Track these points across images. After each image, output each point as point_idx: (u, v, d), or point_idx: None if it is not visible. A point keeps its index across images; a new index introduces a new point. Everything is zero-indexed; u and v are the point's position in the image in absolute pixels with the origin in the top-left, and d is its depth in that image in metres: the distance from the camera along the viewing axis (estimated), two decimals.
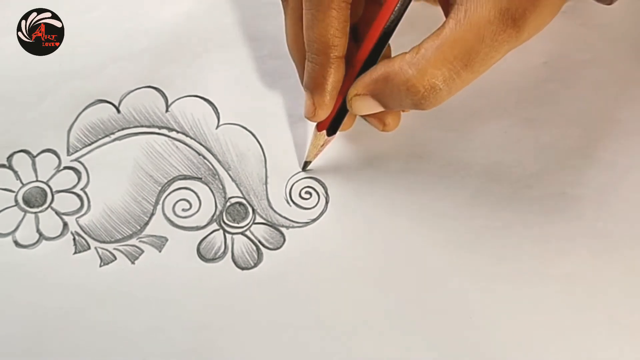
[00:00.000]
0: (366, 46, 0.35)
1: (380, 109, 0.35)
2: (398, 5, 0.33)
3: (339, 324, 0.38)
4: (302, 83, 0.37)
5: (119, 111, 0.41)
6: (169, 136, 0.40)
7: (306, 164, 0.40)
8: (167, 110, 0.41)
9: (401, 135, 0.40)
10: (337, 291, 0.38)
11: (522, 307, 0.38)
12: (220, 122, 0.41)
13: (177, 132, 0.41)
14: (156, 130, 0.41)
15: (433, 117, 0.40)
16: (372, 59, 0.35)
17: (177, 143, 0.40)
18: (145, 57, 0.42)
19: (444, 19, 0.33)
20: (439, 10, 0.36)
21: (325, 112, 0.36)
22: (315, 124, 0.38)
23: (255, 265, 0.39)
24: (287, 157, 0.40)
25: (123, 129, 0.40)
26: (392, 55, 0.35)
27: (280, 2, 0.37)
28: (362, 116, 0.40)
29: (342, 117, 0.37)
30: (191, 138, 0.40)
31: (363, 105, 0.35)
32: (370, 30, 0.34)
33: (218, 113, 0.41)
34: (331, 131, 0.37)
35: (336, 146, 0.41)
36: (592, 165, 0.40)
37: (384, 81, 0.33)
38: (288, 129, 0.41)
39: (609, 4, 0.35)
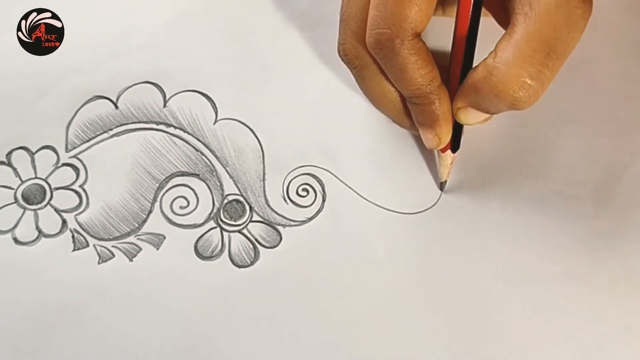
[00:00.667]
0: (456, 59, 0.35)
1: (486, 115, 0.35)
2: (472, 12, 0.33)
3: (335, 322, 0.38)
4: (402, 126, 0.38)
5: (117, 107, 0.41)
6: (166, 132, 0.41)
7: (442, 184, 0.40)
8: (164, 106, 0.41)
9: (399, 131, 0.40)
10: (333, 289, 0.39)
11: (520, 306, 0.39)
12: (218, 117, 0.41)
13: (175, 127, 0.41)
14: (154, 126, 0.41)
15: None
16: (466, 68, 0.35)
17: (174, 139, 0.40)
18: (143, 53, 0.41)
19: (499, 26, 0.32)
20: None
21: (447, 137, 0.36)
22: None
23: (252, 263, 0.39)
24: (285, 153, 0.40)
25: (121, 125, 0.41)
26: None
27: (350, 70, 0.36)
28: None
29: (460, 131, 0.37)
30: (189, 134, 0.41)
31: (468, 116, 0.35)
32: (454, 40, 0.34)
33: (216, 108, 0.41)
34: (455, 148, 0.37)
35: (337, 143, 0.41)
36: (590, 164, 0.40)
37: (475, 92, 0.33)
38: (286, 124, 0.41)
39: None
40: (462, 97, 0.34)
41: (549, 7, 0.30)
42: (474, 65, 0.34)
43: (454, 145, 0.37)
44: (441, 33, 0.38)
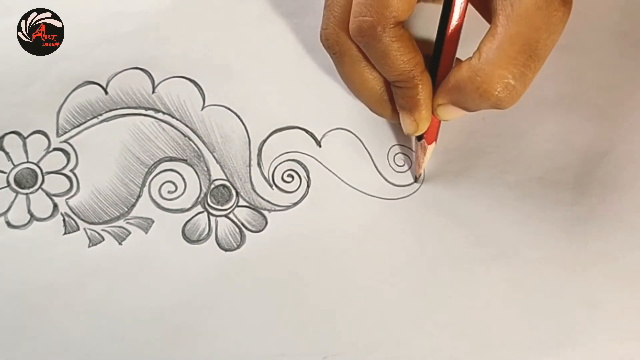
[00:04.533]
0: (440, 52, 0.35)
1: (465, 112, 0.35)
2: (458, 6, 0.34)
3: (319, 304, 0.39)
4: (381, 115, 0.39)
5: (106, 92, 0.41)
6: (155, 117, 0.41)
7: (417, 177, 0.41)
8: (153, 92, 0.41)
9: (382, 121, 0.41)
10: (317, 273, 0.40)
11: (499, 290, 0.40)
12: (206, 104, 0.41)
13: (164, 113, 0.41)
14: (143, 111, 0.41)
15: None
16: (448, 62, 0.35)
17: (163, 124, 0.41)
18: (132, 39, 0.42)
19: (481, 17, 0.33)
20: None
21: (426, 124, 0.37)
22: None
23: (238, 247, 0.40)
24: (270, 139, 0.41)
25: (110, 111, 0.41)
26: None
27: (330, 55, 0.37)
28: None
29: (438, 125, 0.38)
30: (177, 119, 0.41)
31: (448, 113, 0.36)
32: (444, 34, 0.35)
33: (203, 94, 0.41)
34: (431, 140, 0.39)
35: (322, 130, 0.41)
36: (570, 150, 0.41)
37: (458, 90, 0.34)
38: (273, 111, 0.42)
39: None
40: (443, 94, 0.35)
41: (529, 9, 0.31)
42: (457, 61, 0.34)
43: (435, 137, 0.38)
44: (426, 20, 0.39)
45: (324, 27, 0.36)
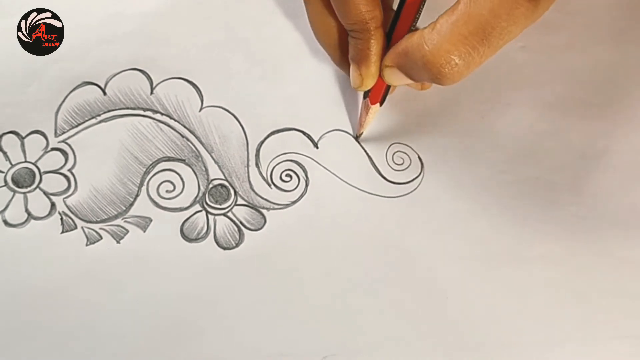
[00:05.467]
0: (399, 17, 0.36)
1: (408, 81, 0.36)
2: None
3: (318, 303, 0.39)
4: (336, 64, 0.40)
5: (105, 93, 0.41)
6: (153, 118, 0.41)
7: (359, 135, 0.41)
8: (151, 93, 0.42)
9: (381, 118, 0.41)
10: (316, 271, 0.40)
11: (497, 288, 0.40)
12: (204, 105, 0.42)
13: (162, 114, 0.41)
14: (141, 112, 0.41)
15: (407, 102, 0.41)
16: (403, 29, 0.36)
17: (161, 125, 0.41)
18: (131, 40, 0.42)
19: None
20: None
21: (371, 81, 0.37)
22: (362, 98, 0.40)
23: (237, 245, 0.40)
24: (268, 140, 0.41)
25: (109, 111, 0.41)
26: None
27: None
28: None
29: (388, 87, 0.38)
30: (175, 120, 0.41)
31: (393, 76, 0.36)
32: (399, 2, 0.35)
33: (202, 95, 0.42)
34: (380, 102, 0.39)
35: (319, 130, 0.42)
36: (567, 150, 0.41)
37: (405, 55, 0.34)
38: (270, 112, 0.42)
39: None
40: (392, 56, 0.35)
41: None
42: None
43: (379, 99, 0.39)
44: None
45: None
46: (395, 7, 0.37)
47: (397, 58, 0.35)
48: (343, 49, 0.39)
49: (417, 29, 0.34)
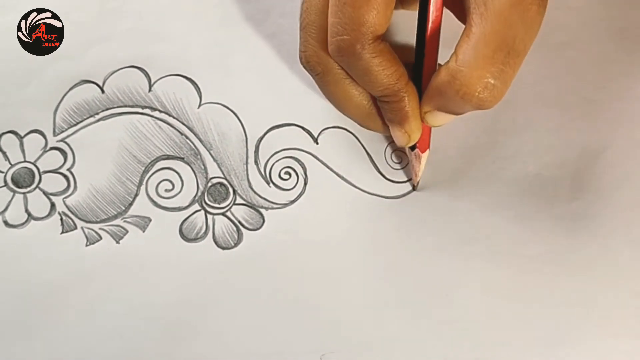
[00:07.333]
0: (422, 53, 0.35)
1: (452, 117, 0.35)
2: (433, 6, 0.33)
3: (316, 302, 0.40)
4: (375, 131, 0.38)
5: (103, 91, 0.41)
6: (152, 116, 0.41)
7: (415, 185, 0.41)
8: (150, 90, 0.41)
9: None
10: (314, 271, 0.40)
11: (497, 287, 0.40)
12: (202, 102, 0.41)
13: (160, 111, 0.41)
14: (139, 110, 0.41)
15: None
16: (431, 67, 0.35)
17: (160, 123, 0.41)
18: (129, 37, 0.42)
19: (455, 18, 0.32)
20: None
21: (418, 134, 0.36)
22: None
23: (236, 245, 0.40)
24: (267, 136, 0.41)
25: (107, 109, 0.41)
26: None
27: (313, 77, 0.36)
28: None
29: (429, 131, 0.38)
30: (174, 118, 0.41)
31: (436, 119, 0.35)
32: (422, 39, 0.34)
33: (200, 92, 0.41)
34: (424, 147, 0.38)
35: (319, 127, 0.41)
36: (568, 147, 0.41)
37: (440, 96, 0.33)
38: (269, 108, 0.42)
39: None
40: (428, 100, 0.34)
41: (504, 6, 0.30)
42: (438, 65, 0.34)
43: (428, 145, 0.38)
44: (403, 26, 0.38)
45: (302, 50, 0.36)
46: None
47: (434, 101, 0.34)
48: (376, 113, 0.37)
49: (439, 65, 0.34)
